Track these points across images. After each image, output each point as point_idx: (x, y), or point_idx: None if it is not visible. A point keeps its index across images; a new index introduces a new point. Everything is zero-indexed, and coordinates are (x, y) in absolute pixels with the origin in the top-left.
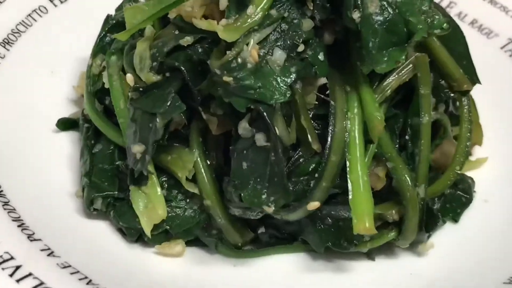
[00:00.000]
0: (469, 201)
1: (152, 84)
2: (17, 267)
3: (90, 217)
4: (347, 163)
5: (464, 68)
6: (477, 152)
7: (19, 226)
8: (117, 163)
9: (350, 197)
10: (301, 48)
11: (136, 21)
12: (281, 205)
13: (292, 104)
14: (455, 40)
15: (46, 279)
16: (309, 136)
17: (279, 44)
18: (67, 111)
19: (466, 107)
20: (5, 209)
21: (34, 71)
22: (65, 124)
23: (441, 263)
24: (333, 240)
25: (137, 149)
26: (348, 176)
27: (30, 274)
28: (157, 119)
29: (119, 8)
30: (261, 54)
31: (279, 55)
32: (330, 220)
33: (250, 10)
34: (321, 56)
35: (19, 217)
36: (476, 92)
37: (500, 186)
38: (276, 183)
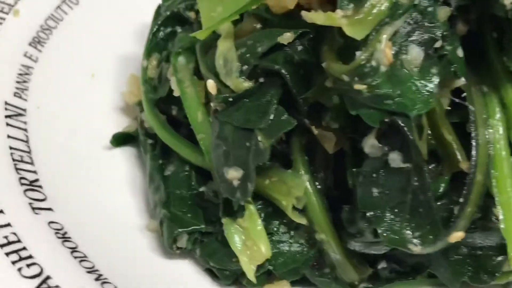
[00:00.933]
0: None
1: (243, 92)
2: None
3: (170, 257)
4: (493, 182)
5: None
6: None
7: (96, 279)
8: (200, 189)
9: (502, 225)
10: (438, 43)
11: (216, 15)
12: (430, 242)
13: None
14: None
15: None
16: (457, 152)
17: (413, 39)
18: (117, 123)
19: None
20: (74, 257)
21: (71, 75)
22: (120, 140)
23: None
24: (471, 273)
25: (233, 175)
26: (495, 197)
27: None
28: (259, 137)
29: None
30: (394, 52)
31: (416, 53)
32: (465, 250)
33: None
34: (459, 52)
35: (91, 267)
36: None
37: None
38: (421, 215)
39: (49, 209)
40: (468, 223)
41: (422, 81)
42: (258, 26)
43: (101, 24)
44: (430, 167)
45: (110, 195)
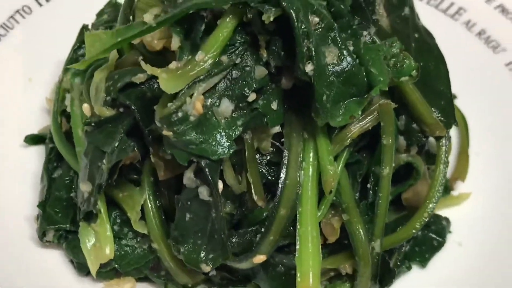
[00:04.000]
0: (441, 244)
1: (105, 118)
2: None
3: (44, 246)
4: (297, 216)
5: (441, 108)
6: (461, 186)
7: None
8: (71, 194)
9: (296, 254)
10: (252, 97)
11: (94, 50)
12: (218, 263)
13: (243, 153)
14: (436, 76)
15: None
16: (253, 192)
17: (227, 93)
18: (40, 123)
19: (443, 148)
20: None
21: (12, 77)
22: (33, 140)
23: None
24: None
25: (84, 188)
26: (297, 230)
27: None
28: (104, 161)
29: (99, 14)
30: (208, 104)
31: (225, 107)
32: (282, 268)
33: (199, 56)
34: (274, 105)
35: None
36: (470, 110)
37: (477, 229)
38: (215, 240)
39: None
40: (270, 249)
41: (227, 130)
42: (140, 58)
43: (47, 32)
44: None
45: (15, 187)
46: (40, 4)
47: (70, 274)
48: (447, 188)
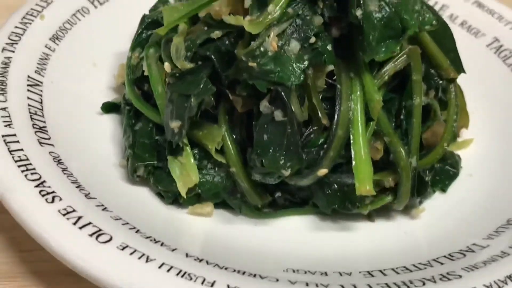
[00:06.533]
0: (456, 174)
1: (186, 70)
2: (79, 218)
3: (133, 183)
4: (351, 136)
5: (451, 59)
6: (465, 134)
7: (77, 187)
8: (156, 138)
9: (353, 164)
10: (312, 40)
11: (173, 19)
12: (296, 169)
13: (305, 87)
14: (444, 36)
15: (104, 227)
16: (319, 112)
17: (294, 36)
18: (109, 97)
19: (453, 93)
20: (64, 173)
21: (79, 63)
22: (108, 108)
23: (431, 224)
24: (339, 202)
25: (174, 124)
26: (352, 147)
27: (90, 223)
28: (192, 99)
29: (153, 9)
30: (280, 44)
31: (294, 45)
32: (336, 186)
33: (270, 8)
34: (329, 47)
35: (76, 180)
36: (465, 83)
37: (483, 162)
38: (291, 151)
39: (51, 145)
40: (331, 164)
41: (297, 63)
42: (205, 28)
43: (103, 28)
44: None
45: (99, 143)
46: (95, 6)
47: (159, 204)
48: (455, 135)
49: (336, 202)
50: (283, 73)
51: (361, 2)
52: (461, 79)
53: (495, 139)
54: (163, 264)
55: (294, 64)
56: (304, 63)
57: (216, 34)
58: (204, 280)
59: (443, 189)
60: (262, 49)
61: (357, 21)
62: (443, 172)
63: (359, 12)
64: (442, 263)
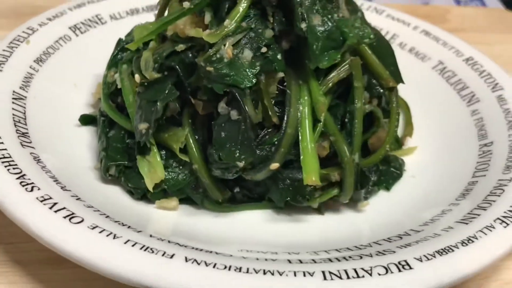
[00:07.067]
0: (399, 175)
1: (154, 80)
2: (54, 203)
3: (106, 182)
4: (299, 134)
5: (391, 72)
6: (410, 143)
7: (54, 181)
8: (127, 141)
9: (301, 158)
10: (264, 49)
11: (142, 35)
12: (249, 161)
13: (259, 92)
14: (386, 53)
15: (76, 211)
16: (269, 111)
17: (248, 46)
18: (87, 111)
19: (394, 102)
20: (43, 170)
21: (60, 82)
22: (85, 120)
23: (375, 216)
24: (291, 196)
25: (142, 126)
26: (300, 143)
27: (64, 208)
28: (158, 104)
29: (128, 35)
30: (234, 52)
31: (247, 54)
32: (288, 181)
33: (226, 22)
34: (279, 56)
35: (54, 176)
36: (412, 99)
37: (425, 166)
38: (245, 145)
39: (33, 147)
40: (282, 159)
41: (250, 69)
42: (172, 45)
43: (84, 53)
44: (268, 129)
45: (76, 150)
46: (77, 35)
47: (129, 200)
48: (399, 143)
49: (289, 195)
50: (237, 76)
51: (306, 16)
52: (409, 96)
53: (437, 147)
54: (128, 240)
55: (247, 69)
56: (256, 68)
57: (180, 47)
58: (164, 253)
59: (387, 188)
60: (218, 55)
61: (302, 33)
62: (388, 173)
63: (303, 25)
64: (380, 244)
